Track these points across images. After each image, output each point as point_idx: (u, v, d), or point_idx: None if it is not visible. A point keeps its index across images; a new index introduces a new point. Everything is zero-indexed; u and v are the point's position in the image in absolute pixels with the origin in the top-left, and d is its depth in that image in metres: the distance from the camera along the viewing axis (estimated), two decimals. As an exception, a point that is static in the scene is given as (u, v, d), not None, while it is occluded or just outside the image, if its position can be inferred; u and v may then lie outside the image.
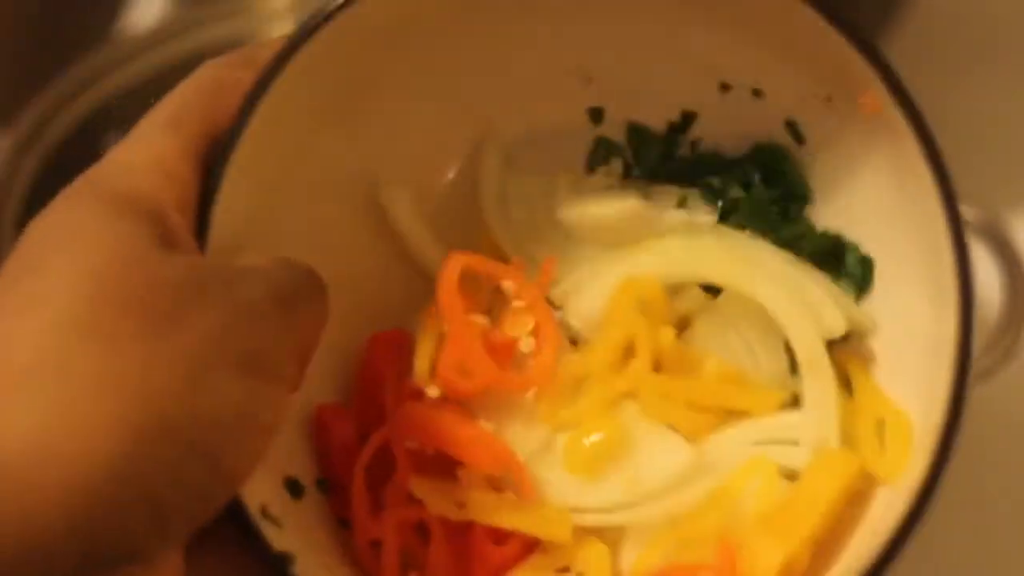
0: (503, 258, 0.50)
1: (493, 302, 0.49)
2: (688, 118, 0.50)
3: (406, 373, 0.48)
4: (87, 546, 0.33)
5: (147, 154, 0.40)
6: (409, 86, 0.48)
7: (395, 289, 0.50)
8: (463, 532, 0.45)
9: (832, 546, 0.44)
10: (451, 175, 0.51)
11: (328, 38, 0.43)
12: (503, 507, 0.45)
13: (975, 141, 0.67)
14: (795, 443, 0.46)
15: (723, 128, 0.50)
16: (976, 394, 0.57)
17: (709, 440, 0.46)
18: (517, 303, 0.48)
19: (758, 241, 0.48)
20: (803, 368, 0.46)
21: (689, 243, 0.48)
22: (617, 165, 0.51)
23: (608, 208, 0.48)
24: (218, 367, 0.35)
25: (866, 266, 0.48)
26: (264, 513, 0.41)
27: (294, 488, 0.45)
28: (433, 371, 0.47)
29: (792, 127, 0.48)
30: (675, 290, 0.48)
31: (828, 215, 0.49)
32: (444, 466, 0.46)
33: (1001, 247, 0.58)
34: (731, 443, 0.46)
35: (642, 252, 0.48)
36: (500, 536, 0.45)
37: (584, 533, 0.45)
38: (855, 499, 0.45)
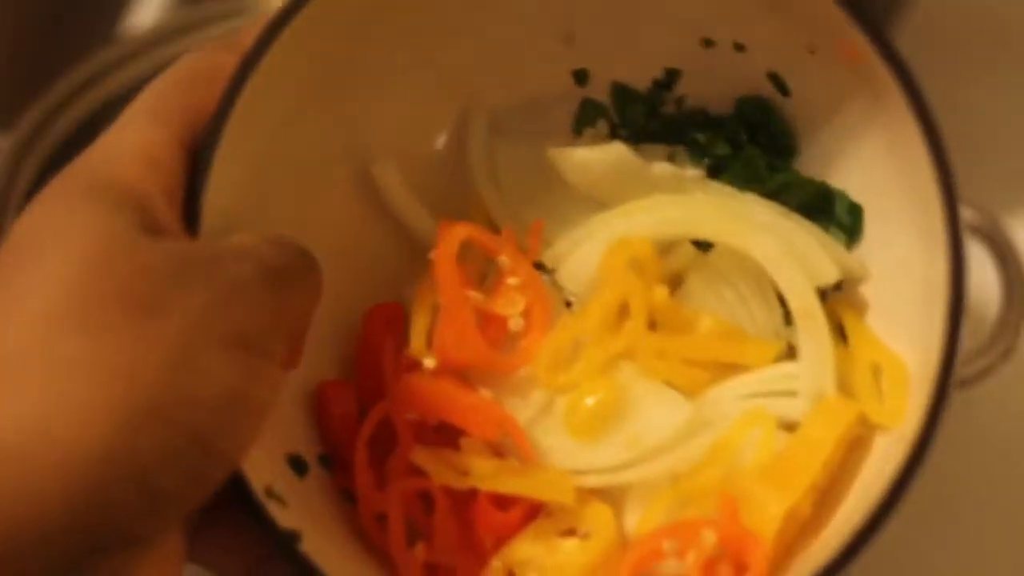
0: (494, 226, 0.50)
1: (487, 272, 0.49)
2: (672, 75, 0.50)
3: (404, 346, 0.48)
4: (85, 529, 0.33)
5: (129, 143, 0.40)
6: (392, 59, 0.48)
7: (390, 262, 0.50)
8: (467, 500, 0.45)
9: (834, 494, 0.45)
10: (439, 145, 0.51)
11: (310, 15, 0.43)
12: (505, 472, 0.45)
13: (975, 142, 0.66)
14: (792, 394, 0.46)
15: (707, 84, 0.50)
16: (976, 394, 0.57)
17: (707, 395, 0.46)
18: (511, 280, 0.48)
19: (747, 194, 0.48)
20: (797, 318, 0.46)
21: (679, 200, 0.48)
22: (604, 127, 0.51)
23: (596, 154, 0.48)
24: (205, 348, 0.36)
25: (855, 214, 0.48)
26: (269, 493, 0.41)
27: (298, 465, 0.45)
28: (429, 343, 0.47)
29: (776, 79, 0.48)
30: (666, 248, 0.48)
31: (815, 166, 0.49)
32: (445, 438, 0.47)
33: (1000, 247, 0.57)
34: (729, 397, 0.46)
35: (633, 211, 0.48)
36: (504, 502, 0.45)
37: (587, 495, 0.46)
38: (855, 446, 0.45)
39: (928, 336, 0.42)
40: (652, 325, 0.47)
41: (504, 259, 0.48)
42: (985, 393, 0.58)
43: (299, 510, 0.43)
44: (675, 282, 0.48)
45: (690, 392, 0.46)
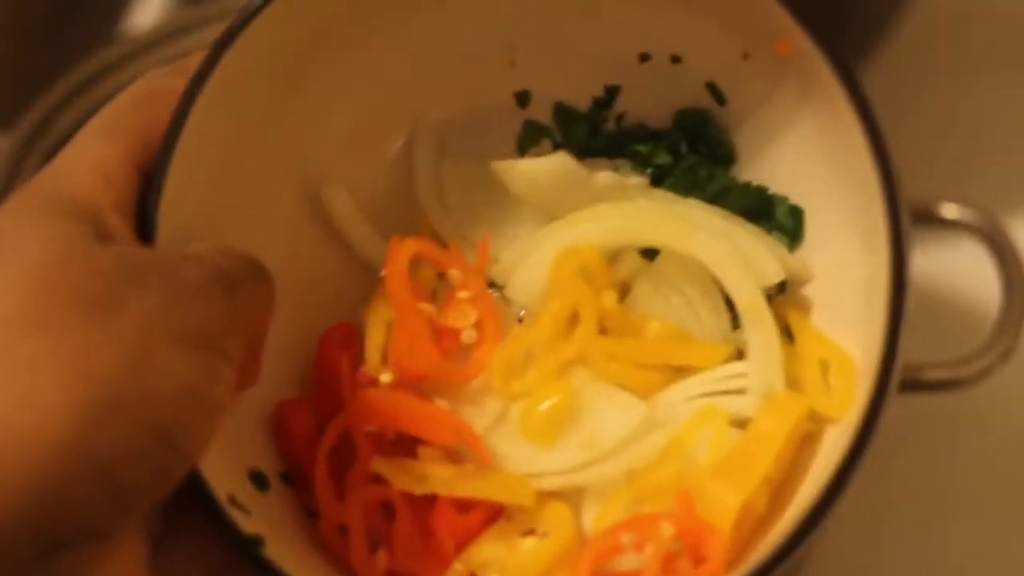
0: (442, 244, 0.50)
1: (437, 287, 0.50)
2: (612, 92, 0.51)
3: (360, 364, 0.49)
4: (43, 524, 0.34)
5: (83, 160, 0.41)
6: (337, 80, 0.49)
7: (343, 282, 0.51)
8: (428, 507, 0.46)
9: (788, 487, 0.45)
10: (387, 164, 0.52)
11: (256, 34, 0.44)
12: (464, 477, 0.45)
13: (975, 142, 0.68)
14: (743, 392, 0.46)
15: (646, 99, 0.51)
16: (976, 394, 0.58)
17: (660, 396, 0.47)
18: (462, 293, 0.49)
19: (690, 200, 0.49)
20: (744, 317, 0.47)
21: (623, 207, 0.49)
22: (547, 146, 0.52)
23: (540, 164, 0.49)
24: (161, 345, 0.36)
25: (796, 216, 0.49)
26: (232, 501, 0.42)
27: (259, 481, 0.46)
28: (384, 359, 0.48)
29: (713, 89, 0.50)
30: (613, 257, 0.49)
31: (755, 172, 0.50)
32: (404, 450, 0.47)
33: (1000, 247, 0.58)
34: (681, 397, 0.47)
35: (578, 221, 0.49)
36: (465, 505, 0.46)
37: (545, 495, 0.46)
38: (806, 442, 0.46)
39: (870, 332, 0.43)
40: (603, 331, 0.48)
41: (454, 273, 0.49)
42: (985, 393, 0.59)
43: (261, 520, 0.43)
44: (623, 291, 0.49)
45: (643, 393, 0.47)
